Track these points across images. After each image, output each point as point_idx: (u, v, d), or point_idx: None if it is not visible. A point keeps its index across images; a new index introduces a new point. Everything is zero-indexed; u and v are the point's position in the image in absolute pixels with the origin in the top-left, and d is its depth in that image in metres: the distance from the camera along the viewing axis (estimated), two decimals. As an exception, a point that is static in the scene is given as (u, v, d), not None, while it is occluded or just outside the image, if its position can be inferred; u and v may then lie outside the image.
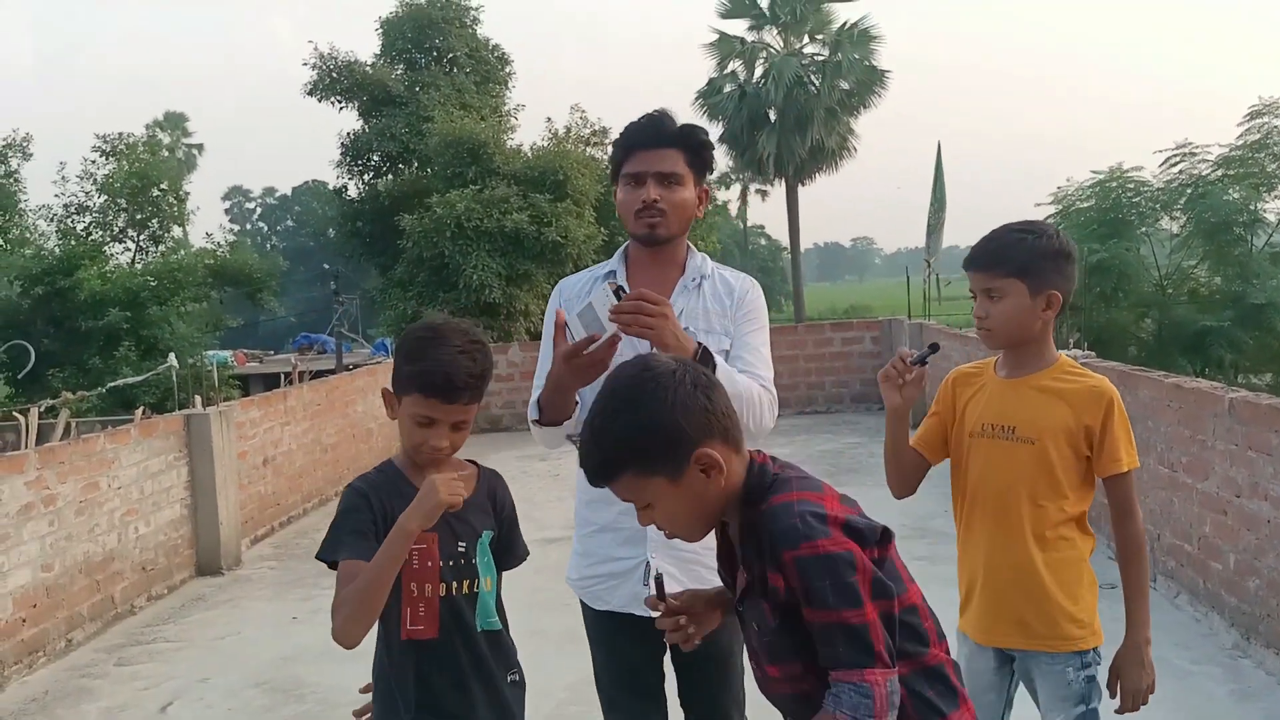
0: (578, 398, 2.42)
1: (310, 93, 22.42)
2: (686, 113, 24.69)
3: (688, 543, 1.78)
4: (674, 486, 1.64)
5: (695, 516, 1.69)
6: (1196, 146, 12.89)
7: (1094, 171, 13.53)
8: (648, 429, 1.63)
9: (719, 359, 2.33)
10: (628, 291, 2.27)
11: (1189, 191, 12.68)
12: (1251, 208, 12.58)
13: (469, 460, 2.32)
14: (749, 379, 2.42)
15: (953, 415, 2.52)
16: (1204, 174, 12.78)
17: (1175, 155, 12.91)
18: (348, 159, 22.50)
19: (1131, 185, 13.02)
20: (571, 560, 2.65)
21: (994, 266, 2.36)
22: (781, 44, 29.62)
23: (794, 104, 28.23)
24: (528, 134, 68.31)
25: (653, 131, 2.48)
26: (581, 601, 2.63)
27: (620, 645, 2.57)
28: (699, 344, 2.29)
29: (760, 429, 2.43)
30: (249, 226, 73.52)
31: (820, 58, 29.13)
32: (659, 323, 2.23)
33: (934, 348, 2.47)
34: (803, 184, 30.45)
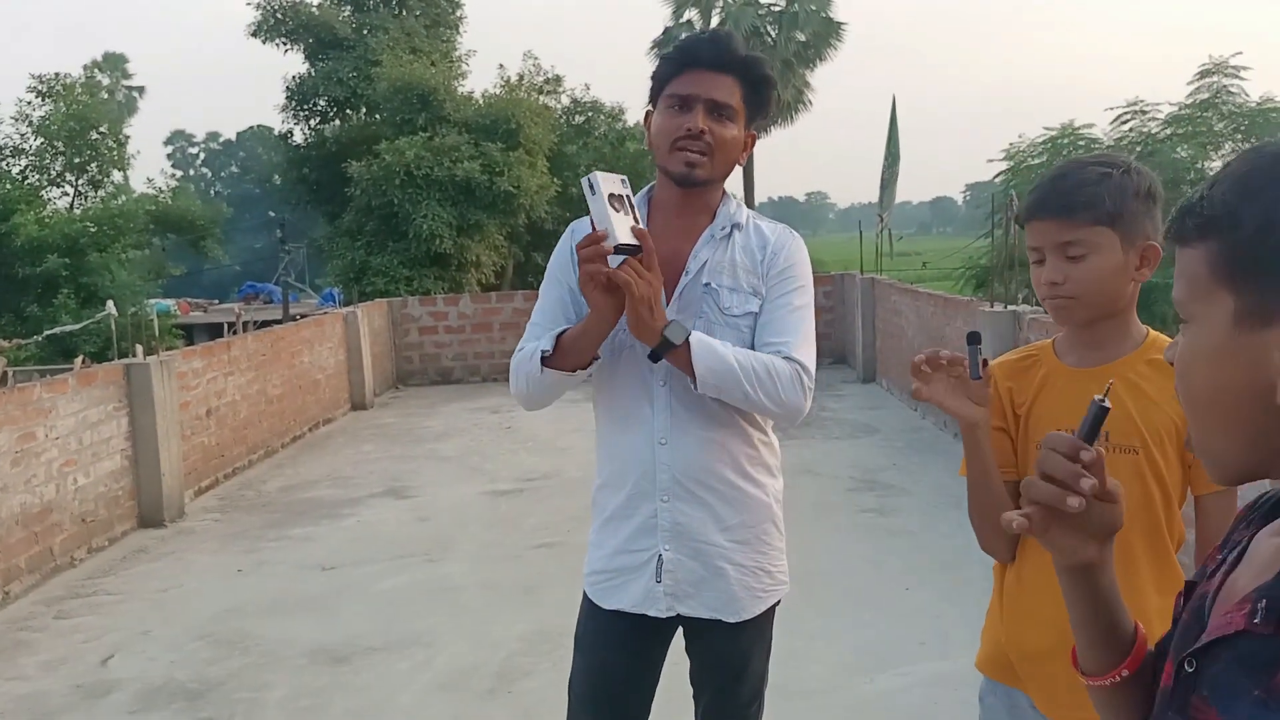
0: (600, 351, 2.11)
1: (254, 34, 21.84)
2: (642, 62, 24.43)
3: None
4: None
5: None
6: (1147, 105, 13.02)
7: (1046, 128, 13.62)
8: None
9: (699, 335, 2.03)
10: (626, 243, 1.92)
11: (1138, 149, 12.80)
12: (1199, 166, 12.74)
13: None
14: (760, 351, 2.09)
15: (1010, 423, 1.87)
16: (1153, 132, 12.91)
17: (1126, 113, 13.04)
18: (293, 103, 22.01)
19: (1083, 143, 13.12)
20: (587, 555, 2.28)
21: (1074, 212, 1.72)
22: (738, -7, 29.35)
23: (750, 55, 28.01)
24: (479, 81, 67.36)
25: (715, 51, 2.09)
26: (585, 598, 2.25)
27: (620, 652, 2.22)
28: (669, 321, 2.00)
29: (781, 408, 2.08)
30: (192, 172, 71.88)
31: (777, 8, 28.92)
32: (645, 285, 1.94)
33: (975, 339, 1.81)
34: (758, 136, 30.33)
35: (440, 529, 6.52)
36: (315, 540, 6.42)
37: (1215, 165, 12.99)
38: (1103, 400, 1.04)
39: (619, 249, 1.91)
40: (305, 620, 5.04)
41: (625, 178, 1.98)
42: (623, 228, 1.92)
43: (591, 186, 1.93)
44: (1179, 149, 12.67)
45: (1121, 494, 1.06)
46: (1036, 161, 13.36)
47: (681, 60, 2.11)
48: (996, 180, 14.34)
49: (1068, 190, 1.74)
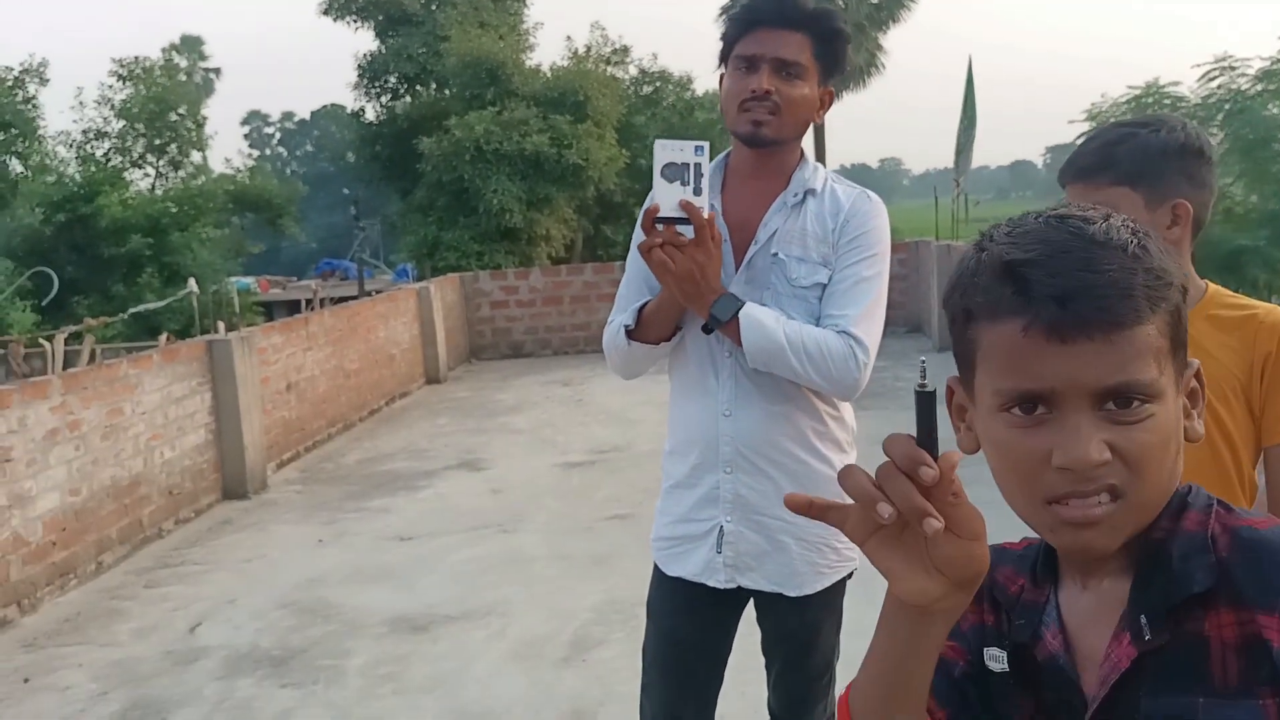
0: (681, 321, 2.09)
1: (325, 12, 22.05)
2: (710, 30, 24.24)
3: (1105, 548, 0.89)
4: (1177, 393, 0.90)
5: (1173, 474, 0.90)
6: (1236, 60, 12.52)
7: (1130, 87, 13.19)
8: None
9: (752, 305, 1.99)
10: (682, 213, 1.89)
11: (1227, 107, 12.34)
12: (1291, 123, 12.24)
13: None
14: (822, 323, 2.04)
15: None
16: (1243, 89, 12.42)
17: (1214, 69, 12.55)
18: (365, 81, 22.20)
19: (1168, 101, 12.68)
20: (654, 521, 2.28)
21: (1095, 173, 1.73)
22: (807, -43, 28.88)
23: (820, 20, 27.58)
24: (547, 53, 67.37)
25: (778, 7, 2.03)
26: (655, 565, 2.26)
27: (688, 618, 2.20)
28: (724, 293, 1.97)
29: (832, 384, 2.02)
30: (268, 151, 73.18)
31: (847, -29, 28.40)
32: (684, 262, 1.90)
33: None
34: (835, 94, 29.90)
35: (513, 501, 6.59)
36: (393, 512, 6.53)
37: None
38: (922, 385, 0.85)
39: (660, 220, 1.89)
40: (384, 590, 5.14)
41: (703, 144, 1.92)
42: (669, 199, 1.89)
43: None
44: (1271, 105, 12.18)
45: (980, 531, 0.83)
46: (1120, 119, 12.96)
47: (747, 19, 2.06)
48: (1078, 141, 13.94)
49: (1089, 153, 1.76)
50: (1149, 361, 0.84)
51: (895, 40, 44.46)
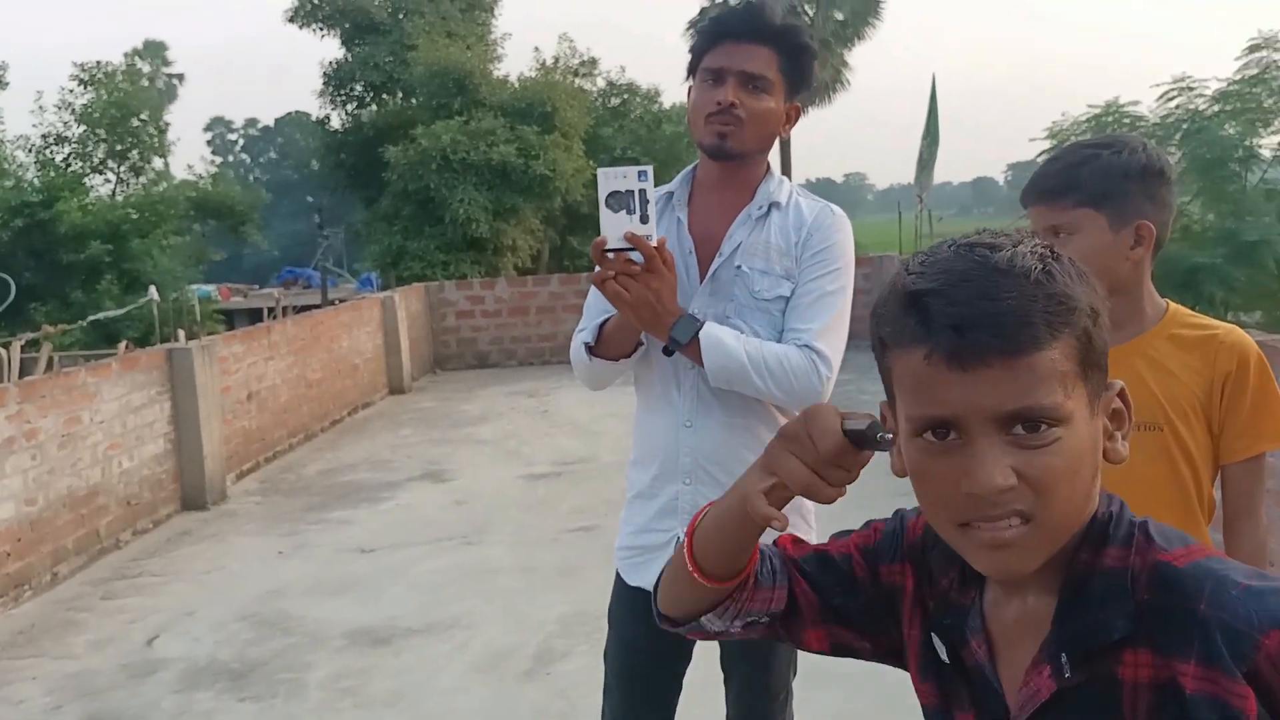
0: (643, 337, 2.09)
1: (291, 19, 21.94)
2: (677, 45, 24.34)
3: (1021, 570, 0.90)
4: (1090, 416, 0.90)
5: (1086, 495, 0.91)
6: (1194, 80, 12.72)
7: (1090, 106, 13.37)
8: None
9: (711, 325, 2.00)
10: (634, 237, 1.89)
11: (1185, 127, 12.54)
12: (1247, 143, 12.45)
13: None
14: (784, 337, 2.04)
15: None
16: (1201, 109, 12.63)
17: (1172, 89, 12.75)
18: (330, 89, 22.09)
19: (1127, 120, 12.86)
20: (619, 529, 2.30)
21: (1060, 195, 1.75)
22: (774, -27, 29.12)
23: (786, 35, 27.81)
24: (515, 64, 67.38)
25: (745, 21, 2.04)
26: (617, 574, 2.26)
27: (647, 628, 2.28)
28: (682, 314, 1.97)
29: (794, 399, 2.02)
30: (231, 158, 72.54)
31: (814, -13, 28.65)
32: (637, 291, 1.89)
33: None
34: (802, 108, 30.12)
35: (478, 512, 6.56)
36: (355, 523, 6.47)
37: (1264, 143, 12.74)
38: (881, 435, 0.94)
39: (609, 251, 1.89)
40: (345, 602, 5.09)
41: (646, 169, 1.90)
42: (616, 229, 1.88)
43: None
44: (1227, 126, 12.40)
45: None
46: (1080, 139, 13.14)
47: (714, 32, 2.07)
48: (1039, 159, 14.12)
49: (1053, 174, 1.78)
50: (1052, 386, 0.85)
51: (860, 57, 44.85)
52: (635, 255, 1.90)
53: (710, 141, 2.06)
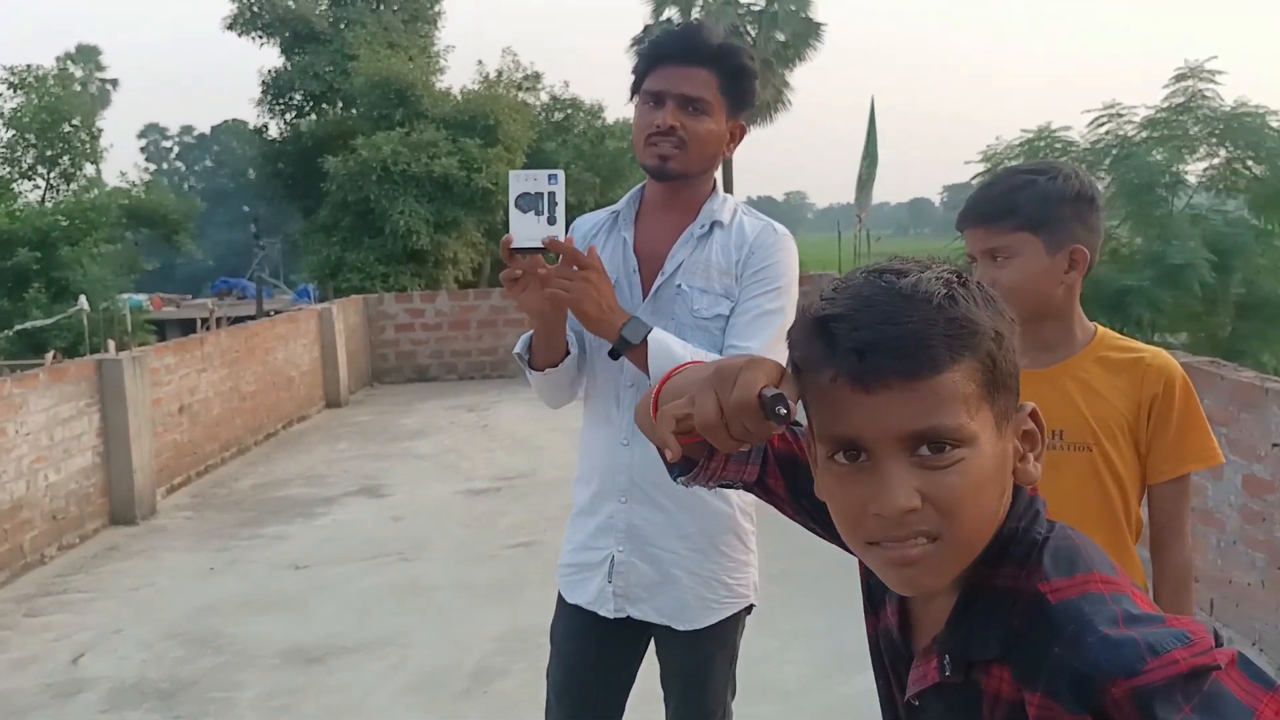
0: (570, 339, 2.09)
1: (230, 27, 21.65)
2: (622, 60, 24.44)
3: (929, 586, 0.94)
4: (997, 436, 0.93)
5: (993, 513, 0.93)
6: (1124, 108, 13.08)
7: (1024, 130, 13.67)
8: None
9: (659, 331, 1.99)
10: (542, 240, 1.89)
11: (1114, 152, 12.88)
12: (1174, 169, 12.83)
13: None
14: (721, 354, 2.03)
15: None
16: (1130, 135, 12.98)
17: (1103, 116, 13.09)
18: (269, 97, 21.81)
19: (1059, 145, 13.17)
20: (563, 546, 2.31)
21: (997, 219, 1.80)
22: (717, -8, 29.35)
23: (729, 54, 28.06)
24: (458, 77, 67.07)
25: (683, 44, 2.06)
26: (559, 591, 2.27)
27: (586, 646, 2.22)
28: (632, 316, 1.97)
29: None
30: (166, 166, 71.26)
31: (756, 8, 28.93)
32: (577, 286, 1.90)
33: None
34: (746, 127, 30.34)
35: (415, 528, 6.48)
36: (288, 539, 6.36)
37: (1190, 169, 13.12)
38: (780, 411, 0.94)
39: (517, 250, 1.89)
40: (278, 620, 5.00)
41: (557, 173, 1.91)
42: (524, 229, 1.88)
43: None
44: (1155, 152, 12.76)
45: None
46: (1014, 163, 13.43)
47: (653, 55, 2.09)
48: (974, 182, 14.39)
49: (991, 199, 1.83)
50: (954, 408, 0.87)
51: (801, 78, 45.46)
52: (545, 257, 1.91)
53: (652, 164, 2.08)
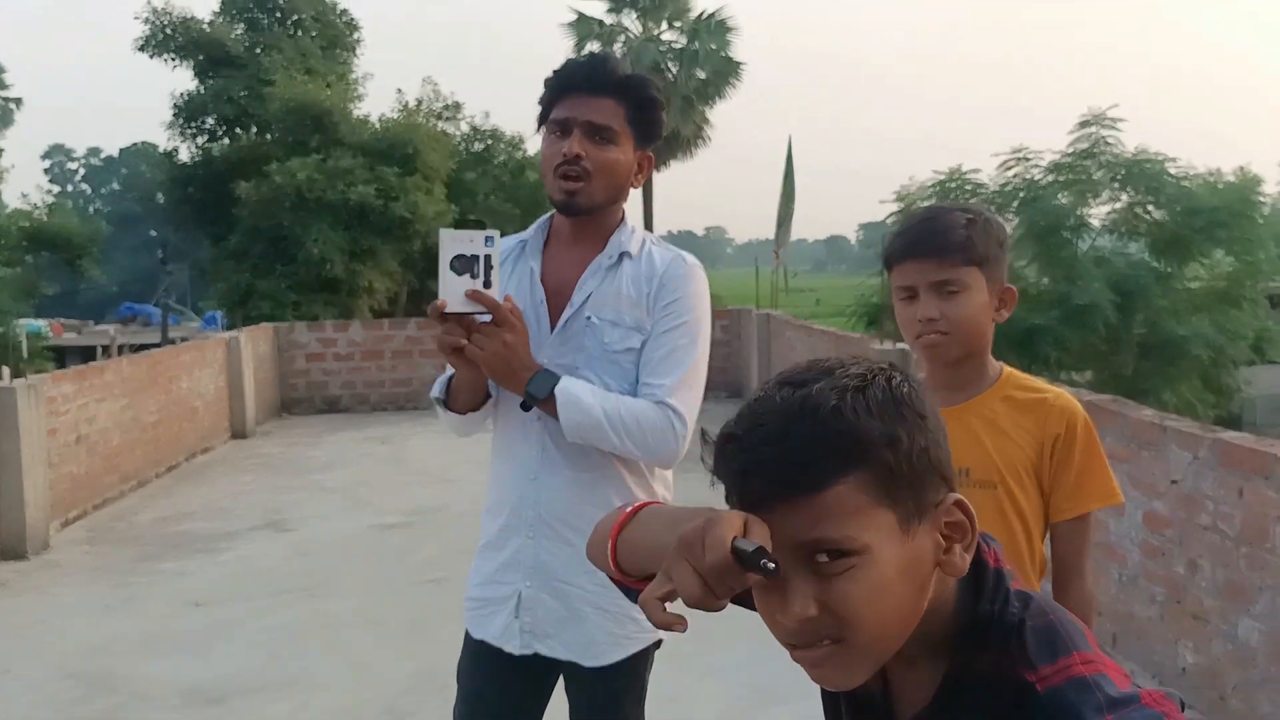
0: (493, 388, 2.07)
1: (142, 48, 21.14)
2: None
3: (845, 684, 0.96)
4: (903, 538, 0.92)
5: (903, 611, 0.93)
6: (1031, 152, 13.55)
7: (935, 172, 14.06)
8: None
9: (568, 380, 1.98)
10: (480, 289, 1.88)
11: (1022, 195, 13.30)
12: (1079, 212, 13.31)
13: None
14: (635, 397, 2.02)
15: None
16: (1036, 179, 13.43)
17: (1011, 159, 13.54)
18: (180, 120, 21.32)
19: (969, 187, 13.57)
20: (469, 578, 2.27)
21: (951, 252, 1.80)
22: (640, 29, 29.64)
23: (650, 91, 28.39)
24: (377, 105, 66.55)
25: (590, 73, 2.05)
26: (466, 626, 2.22)
27: (492, 683, 2.17)
28: (539, 370, 1.96)
29: (650, 455, 2.02)
30: (71, 188, 69.40)
31: (678, 46, 29.30)
32: (491, 346, 1.89)
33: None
34: (657, 170, 30.65)
35: (323, 563, 6.31)
36: (189, 575, 6.14)
37: (1094, 212, 13.60)
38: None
39: (447, 316, 1.88)
40: (178, 659, 4.80)
41: (493, 234, 1.90)
42: (457, 292, 1.87)
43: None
44: (1060, 195, 13.21)
45: None
46: (928, 203, 13.77)
47: (560, 85, 2.07)
48: (888, 220, 14.73)
49: (941, 232, 1.83)
50: (840, 521, 0.88)
51: (722, 115, 46.08)
52: (481, 317, 1.89)
53: (559, 199, 2.06)
